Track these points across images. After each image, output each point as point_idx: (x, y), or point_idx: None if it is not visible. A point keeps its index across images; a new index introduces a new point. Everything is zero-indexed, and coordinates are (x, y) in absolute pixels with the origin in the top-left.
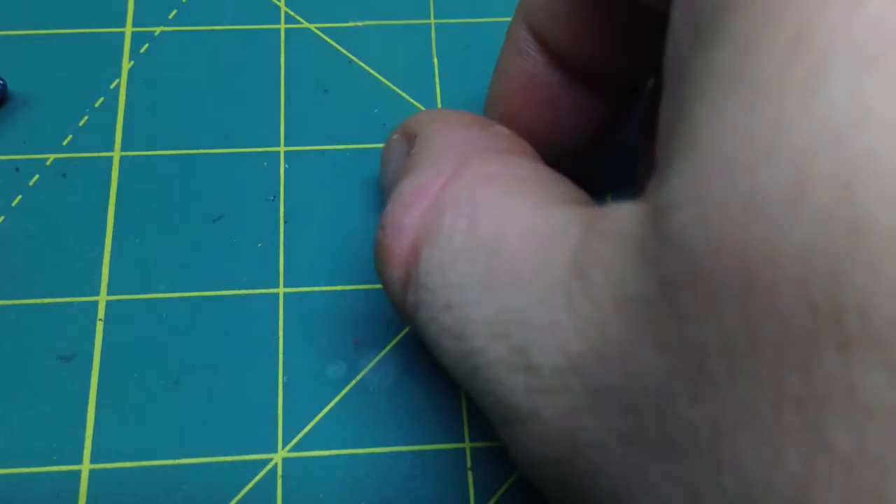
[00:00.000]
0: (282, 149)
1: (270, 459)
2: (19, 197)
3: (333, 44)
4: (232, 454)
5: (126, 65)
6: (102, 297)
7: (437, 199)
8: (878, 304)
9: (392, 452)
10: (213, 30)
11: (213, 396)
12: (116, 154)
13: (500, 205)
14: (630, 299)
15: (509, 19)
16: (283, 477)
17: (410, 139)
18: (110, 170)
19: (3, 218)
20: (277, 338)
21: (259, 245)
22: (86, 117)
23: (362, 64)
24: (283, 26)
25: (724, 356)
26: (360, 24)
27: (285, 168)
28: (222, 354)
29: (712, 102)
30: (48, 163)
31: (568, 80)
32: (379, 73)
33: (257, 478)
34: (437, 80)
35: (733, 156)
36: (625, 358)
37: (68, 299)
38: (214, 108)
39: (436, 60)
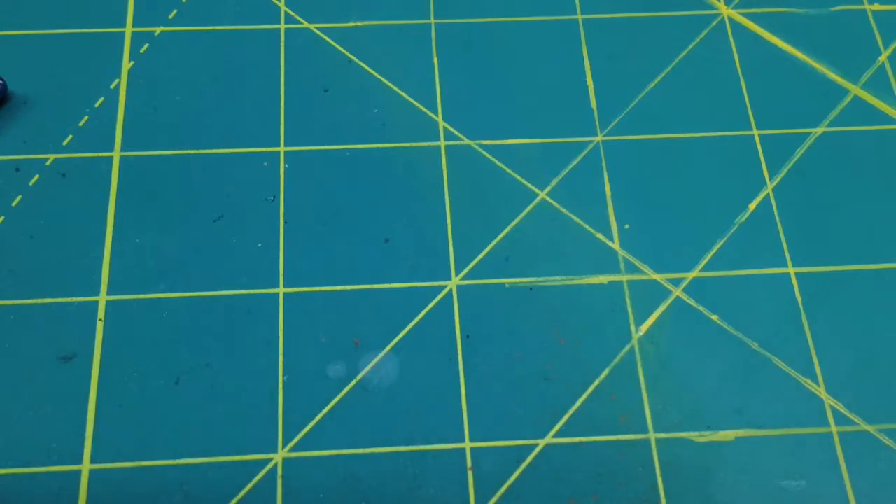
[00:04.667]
0: (282, 149)
1: (270, 459)
2: (19, 197)
3: (333, 44)
4: (232, 454)
5: (126, 65)
6: (102, 297)
7: None
8: None
9: (392, 452)
10: (213, 30)
11: (213, 396)
12: (116, 154)
13: None
14: None
15: (509, 19)
16: (283, 477)
17: None
18: (110, 170)
19: (3, 218)
20: (277, 338)
21: (259, 245)
22: (86, 117)
23: (362, 64)
24: (283, 26)
25: None
26: (360, 24)
27: (285, 168)
28: (222, 354)
29: None
30: (48, 163)
31: None
32: (379, 73)
33: (257, 478)
34: (436, 80)
35: None
36: None
37: (68, 299)
38: (214, 108)
39: (436, 60)
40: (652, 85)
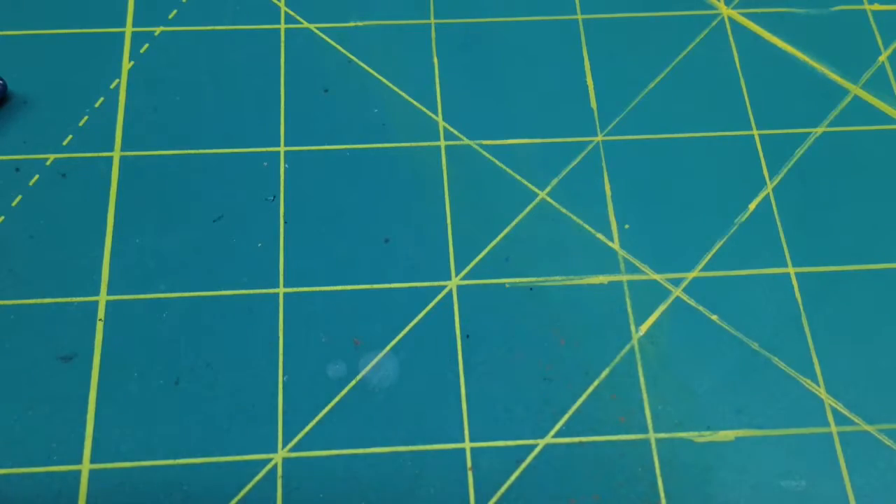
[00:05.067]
0: (282, 149)
1: (270, 459)
2: (19, 197)
3: (333, 44)
4: (232, 454)
5: (126, 65)
6: (102, 297)
7: None
8: None
9: (392, 452)
10: (213, 30)
11: (213, 396)
12: (116, 154)
13: None
14: None
15: (509, 19)
16: (283, 477)
17: None
18: (110, 170)
19: (3, 218)
20: (277, 338)
21: (259, 245)
22: (86, 117)
23: (362, 64)
24: (283, 26)
25: None
26: (360, 24)
27: (285, 168)
28: (222, 354)
29: None
30: (48, 163)
31: None
32: (379, 73)
33: (257, 478)
34: (436, 80)
35: None
36: None
37: (68, 299)
38: (214, 108)
39: (436, 60)
40: (652, 85)
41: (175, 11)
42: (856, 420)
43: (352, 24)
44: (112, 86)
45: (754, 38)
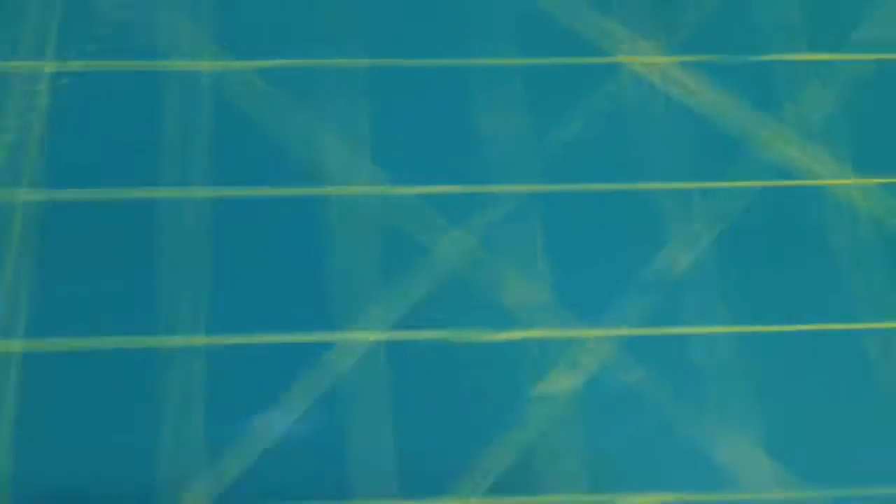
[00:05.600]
0: (206, 194)
1: None
2: None
3: (259, 84)
4: None
5: (41, 101)
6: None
7: None
8: None
9: None
10: (129, 67)
11: None
12: (23, 196)
13: None
14: None
15: (446, 62)
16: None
17: None
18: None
19: None
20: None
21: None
22: None
23: (288, 105)
24: (208, 63)
25: None
26: (285, 62)
27: (213, 215)
28: None
29: None
30: None
31: None
32: (304, 114)
33: None
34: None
35: None
36: None
37: None
38: (131, 149)
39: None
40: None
41: (92, 47)
42: (801, 484)
43: (277, 62)
44: (23, 123)
45: (650, 88)
